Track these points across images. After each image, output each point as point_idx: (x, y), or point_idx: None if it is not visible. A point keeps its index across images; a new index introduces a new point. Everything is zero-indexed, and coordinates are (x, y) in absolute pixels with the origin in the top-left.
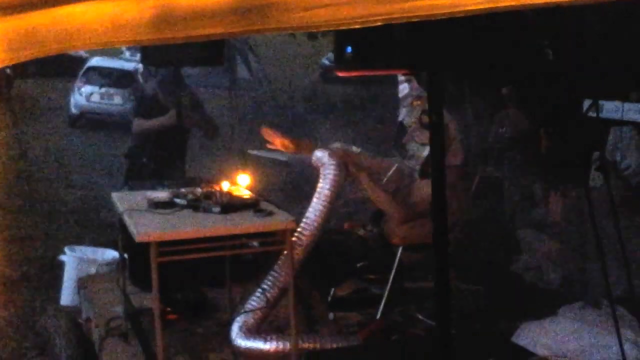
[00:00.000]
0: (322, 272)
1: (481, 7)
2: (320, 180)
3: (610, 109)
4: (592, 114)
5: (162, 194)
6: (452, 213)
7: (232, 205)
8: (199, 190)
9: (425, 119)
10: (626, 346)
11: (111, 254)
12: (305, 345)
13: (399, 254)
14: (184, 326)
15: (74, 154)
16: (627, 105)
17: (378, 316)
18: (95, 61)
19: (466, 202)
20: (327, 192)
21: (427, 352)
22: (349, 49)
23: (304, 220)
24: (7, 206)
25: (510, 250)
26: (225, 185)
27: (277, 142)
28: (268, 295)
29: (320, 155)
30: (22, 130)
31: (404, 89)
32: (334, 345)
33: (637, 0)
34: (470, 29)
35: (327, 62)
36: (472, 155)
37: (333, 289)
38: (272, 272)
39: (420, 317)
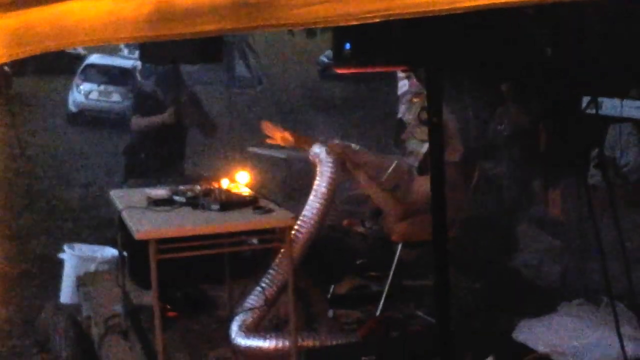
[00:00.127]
0: (322, 269)
1: (479, 3)
2: (317, 178)
3: (610, 106)
4: (592, 111)
5: (161, 192)
6: (452, 210)
7: (231, 202)
8: (198, 187)
9: (425, 115)
10: (625, 342)
11: (110, 251)
12: (305, 342)
13: (398, 251)
14: (183, 323)
15: (73, 152)
16: (626, 102)
17: (378, 313)
18: (94, 59)
19: (465, 198)
20: (323, 189)
21: (427, 349)
22: (348, 46)
23: (300, 217)
24: (6, 204)
25: (509, 247)
26: (224, 183)
27: (277, 135)
28: (267, 293)
29: (317, 151)
30: (21, 128)
31: (403, 85)
32: (334, 343)
33: None
34: (469, 25)
35: (325, 59)
36: (471, 151)
37: (332, 286)
38: (271, 270)
39: (419, 314)
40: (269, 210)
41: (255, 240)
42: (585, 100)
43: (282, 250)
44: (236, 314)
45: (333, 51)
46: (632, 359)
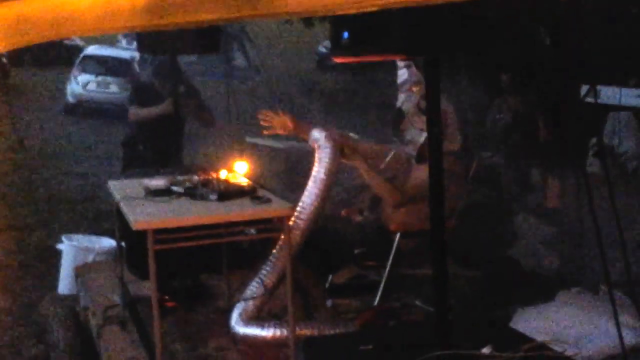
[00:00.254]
0: (320, 259)
1: None
2: (316, 164)
3: (608, 94)
4: (590, 100)
5: (159, 182)
6: (450, 199)
7: (229, 192)
8: (196, 177)
9: (424, 104)
10: (624, 331)
11: (108, 242)
12: (303, 331)
13: (396, 241)
14: (181, 314)
15: (71, 143)
16: (625, 91)
17: (376, 303)
18: (92, 50)
19: (464, 188)
20: (322, 176)
21: (425, 338)
22: (346, 35)
23: (300, 204)
24: (4, 195)
25: (507, 236)
26: (222, 173)
27: (276, 122)
28: (266, 282)
29: (317, 136)
30: (18, 119)
31: (402, 74)
32: (332, 332)
33: None
34: (468, 14)
35: (323, 49)
36: (469, 141)
37: (330, 276)
38: (270, 259)
39: (418, 303)
40: (267, 200)
41: (253, 230)
42: (584, 88)
43: (281, 239)
44: (237, 302)
45: (331, 40)
46: (630, 347)
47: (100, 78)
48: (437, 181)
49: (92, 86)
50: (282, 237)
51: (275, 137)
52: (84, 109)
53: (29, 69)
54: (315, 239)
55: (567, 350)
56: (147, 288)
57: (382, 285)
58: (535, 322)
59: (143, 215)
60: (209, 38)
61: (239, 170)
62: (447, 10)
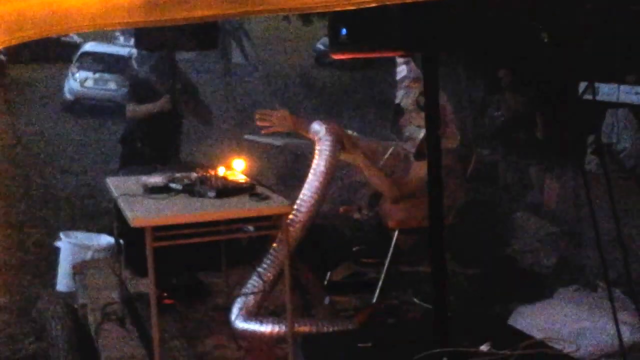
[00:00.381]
0: (318, 256)
1: None
2: (316, 157)
3: (607, 91)
4: (588, 97)
5: (157, 179)
6: (448, 196)
7: (227, 189)
8: (194, 175)
9: (423, 101)
10: (622, 328)
11: (106, 239)
12: (302, 328)
13: (395, 238)
14: (180, 311)
15: (69, 140)
16: (623, 88)
17: (374, 300)
18: (90, 46)
19: (462, 185)
20: (322, 169)
21: (424, 335)
22: (344, 31)
23: (300, 197)
24: (2, 192)
25: (506, 234)
26: (220, 170)
27: (274, 120)
28: (265, 278)
29: (317, 128)
30: (16, 116)
31: (401, 70)
32: (330, 329)
33: None
34: (466, 10)
35: (321, 46)
36: (467, 138)
37: (329, 273)
38: (269, 255)
39: (416, 300)
40: (266, 198)
41: (251, 228)
42: (582, 85)
43: (279, 236)
44: (237, 296)
45: (329, 36)
46: (628, 344)
47: (98, 75)
48: (435, 178)
49: (89, 83)
50: (280, 234)
51: (273, 134)
52: (82, 106)
53: (27, 65)
54: (314, 236)
55: (565, 348)
56: (146, 285)
57: (380, 283)
58: (533, 320)
59: (141, 212)
60: (206, 35)
61: (237, 168)
62: (445, 6)
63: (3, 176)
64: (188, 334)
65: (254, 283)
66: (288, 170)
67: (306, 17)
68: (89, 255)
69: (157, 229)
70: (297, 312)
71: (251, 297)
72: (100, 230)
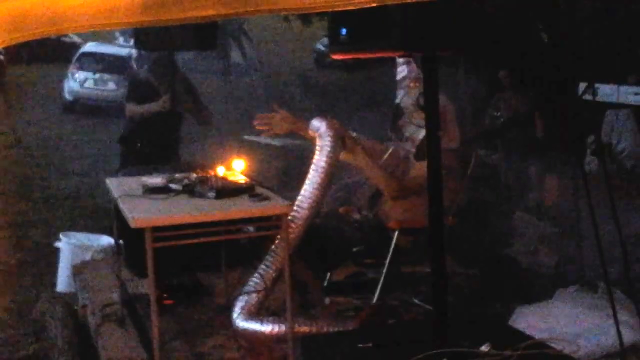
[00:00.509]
0: (318, 256)
1: None
2: (317, 153)
3: (606, 92)
4: (588, 97)
5: (156, 179)
6: (448, 197)
7: (227, 190)
8: (194, 175)
9: (423, 100)
10: (622, 329)
11: (106, 240)
12: (302, 328)
13: (395, 238)
14: (179, 312)
15: (69, 141)
16: (623, 88)
17: (374, 301)
18: (89, 47)
19: (462, 185)
20: (323, 164)
21: (424, 336)
22: (344, 31)
23: (301, 193)
24: (2, 193)
25: (505, 234)
26: (220, 170)
27: (274, 122)
28: (266, 278)
29: (317, 125)
30: (16, 117)
31: (402, 70)
32: (330, 329)
33: None
34: (466, 10)
35: (321, 47)
36: (467, 138)
37: (329, 274)
38: (269, 255)
39: (416, 301)
40: (266, 198)
41: (251, 228)
42: (582, 86)
43: (279, 236)
44: (240, 295)
45: (329, 37)
46: (628, 345)
47: (97, 75)
48: (435, 178)
49: (89, 83)
50: (280, 234)
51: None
52: (82, 107)
53: (26, 66)
54: (314, 236)
55: (565, 348)
56: (145, 286)
57: (380, 283)
58: (533, 320)
59: (141, 212)
60: (206, 35)
61: (236, 168)
62: (445, 6)
63: (3, 176)
64: (188, 334)
65: (255, 283)
66: (288, 170)
67: (306, 18)
68: (88, 255)
69: (156, 229)
70: (297, 312)
71: (253, 296)
72: (100, 231)
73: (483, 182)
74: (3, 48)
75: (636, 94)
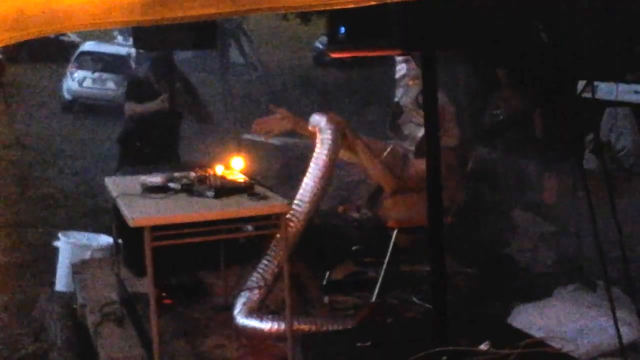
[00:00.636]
0: (317, 255)
1: None
2: (318, 146)
3: (605, 90)
4: (587, 95)
5: (155, 179)
6: (448, 195)
7: (226, 189)
8: (192, 174)
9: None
10: (621, 327)
11: (105, 239)
12: (301, 326)
13: (393, 237)
14: (178, 311)
15: (67, 140)
16: (622, 87)
17: (373, 299)
18: (88, 46)
19: (461, 183)
20: (324, 157)
21: (423, 334)
22: (343, 30)
23: (302, 187)
24: (1, 192)
25: (504, 233)
26: (219, 169)
27: (274, 124)
28: (266, 275)
29: (318, 119)
30: (15, 116)
31: (401, 69)
32: (329, 328)
33: None
34: (465, 9)
35: (320, 45)
36: (466, 136)
37: (328, 273)
38: (269, 254)
39: (415, 300)
40: (264, 197)
41: (250, 227)
42: (581, 84)
43: (277, 235)
44: (242, 290)
45: (328, 35)
46: (627, 343)
47: (96, 74)
48: (434, 177)
49: (88, 83)
50: (279, 233)
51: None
52: (81, 106)
53: (25, 65)
54: (313, 235)
55: (564, 347)
56: (144, 285)
57: (379, 282)
58: (532, 319)
59: (140, 212)
60: (205, 34)
61: (235, 167)
62: (444, 5)
63: (2, 176)
64: (187, 333)
65: (255, 280)
66: (286, 169)
67: (305, 16)
68: (87, 255)
69: (155, 228)
70: (297, 310)
71: (255, 293)
72: (99, 230)
73: (482, 181)
74: (2, 47)
75: (635, 92)
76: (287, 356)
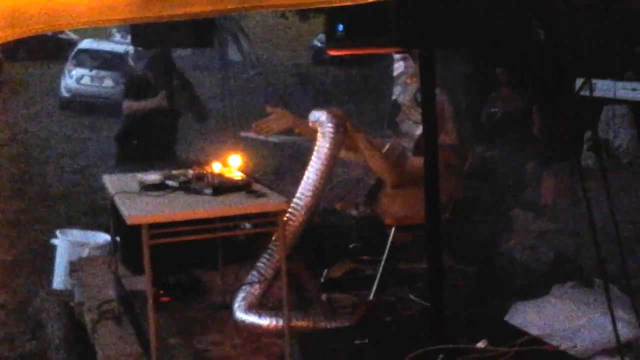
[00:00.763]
0: (315, 253)
1: None
2: (319, 139)
3: (603, 87)
4: (585, 93)
5: (153, 176)
6: (445, 193)
7: (223, 186)
8: (190, 172)
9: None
10: (618, 325)
11: (103, 237)
12: (299, 323)
13: (391, 235)
14: (176, 309)
15: (65, 138)
16: (620, 84)
17: (371, 297)
18: (86, 44)
19: (459, 182)
20: (326, 150)
21: (420, 332)
22: (341, 27)
23: (304, 180)
24: None
25: (502, 230)
26: (216, 167)
27: (273, 124)
28: (266, 271)
29: (318, 114)
30: (12, 113)
31: (399, 67)
32: (327, 325)
33: None
34: (463, 7)
35: (318, 43)
36: (464, 135)
37: (326, 270)
38: (269, 249)
39: (413, 297)
40: (262, 194)
41: (248, 225)
42: (579, 82)
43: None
44: (242, 285)
45: (326, 33)
46: (624, 341)
47: (94, 72)
48: (432, 175)
49: (86, 80)
50: (277, 231)
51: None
52: (78, 104)
53: (23, 62)
54: (311, 233)
55: (562, 344)
56: (142, 283)
57: (377, 280)
58: (530, 317)
59: (137, 210)
60: (203, 32)
61: (233, 164)
62: (442, 2)
63: None
64: (185, 331)
65: (255, 275)
66: (285, 166)
67: (303, 14)
68: (85, 252)
69: (153, 226)
70: (295, 308)
71: (256, 287)
72: (96, 228)
73: (480, 179)
74: (0, 45)
75: (633, 89)
76: (284, 353)
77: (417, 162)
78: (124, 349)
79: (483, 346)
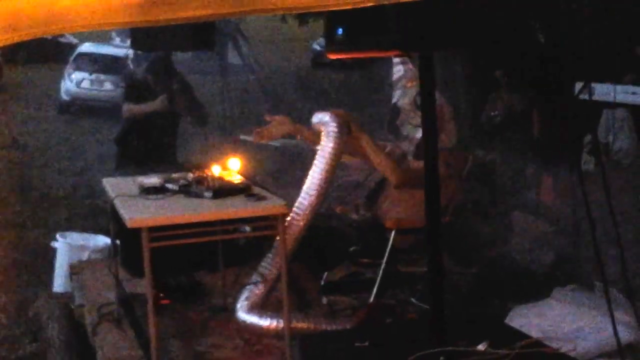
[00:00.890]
0: (315, 256)
1: None
2: (323, 139)
3: (603, 91)
4: (585, 96)
5: (153, 180)
6: (446, 195)
7: (223, 190)
8: (190, 175)
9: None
10: (618, 328)
11: (103, 240)
12: (300, 324)
13: (392, 238)
14: (176, 311)
15: (65, 141)
16: (619, 88)
17: (371, 300)
18: (86, 47)
19: (459, 184)
20: (330, 149)
21: (421, 335)
22: (340, 31)
23: (308, 179)
24: None
25: (502, 233)
26: (216, 170)
27: (274, 131)
28: (269, 272)
29: (321, 116)
30: (12, 117)
31: (398, 70)
32: (327, 327)
33: None
34: (462, 10)
35: (317, 47)
36: (464, 137)
37: (326, 273)
38: (270, 254)
39: (413, 300)
40: (262, 198)
41: (248, 228)
42: (578, 85)
43: (277, 237)
44: (245, 285)
45: (325, 36)
46: (625, 343)
47: (94, 76)
48: (432, 177)
49: (86, 84)
50: (276, 234)
51: None
52: (78, 107)
53: (23, 66)
54: (311, 236)
55: (562, 347)
56: (142, 285)
57: (377, 283)
58: (530, 319)
59: (137, 213)
60: (203, 35)
61: (233, 168)
62: (441, 6)
63: None
64: (185, 334)
65: (258, 277)
66: (286, 170)
67: (302, 17)
68: (85, 255)
69: (153, 229)
70: (295, 311)
71: (259, 287)
72: (96, 231)
73: (480, 182)
74: (0, 48)
75: (633, 93)
76: (284, 354)
77: (418, 165)
78: (124, 352)
79: (483, 349)
